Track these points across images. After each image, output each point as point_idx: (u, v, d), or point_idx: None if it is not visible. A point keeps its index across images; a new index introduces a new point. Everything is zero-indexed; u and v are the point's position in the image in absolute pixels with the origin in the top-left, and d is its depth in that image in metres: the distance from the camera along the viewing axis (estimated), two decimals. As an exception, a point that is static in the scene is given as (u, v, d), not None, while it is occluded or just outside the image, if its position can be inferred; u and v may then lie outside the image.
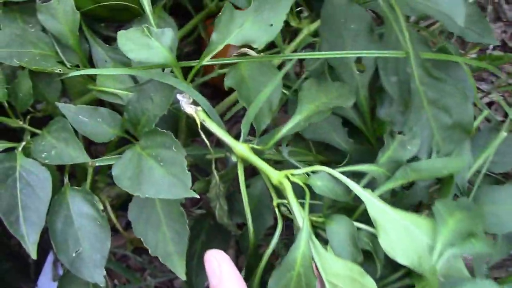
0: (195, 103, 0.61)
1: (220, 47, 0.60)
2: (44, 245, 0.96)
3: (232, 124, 0.97)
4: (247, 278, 0.59)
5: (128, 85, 0.68)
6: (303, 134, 0.72)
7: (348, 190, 0.55)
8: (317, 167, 0.55)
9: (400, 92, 0.66)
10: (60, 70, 0.64)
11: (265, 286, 0.51)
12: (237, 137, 0.59)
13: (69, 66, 0.67)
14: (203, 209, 0.98)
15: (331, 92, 0.65)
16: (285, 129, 0.61)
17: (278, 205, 0.60)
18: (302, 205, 0.53)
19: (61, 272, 0.95)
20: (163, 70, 0.70)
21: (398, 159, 0.61)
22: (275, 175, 0.56)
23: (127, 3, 0.73)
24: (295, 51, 0.81)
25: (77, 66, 0.71)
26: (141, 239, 0.62)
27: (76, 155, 0.59)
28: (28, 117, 0.69)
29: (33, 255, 0.55)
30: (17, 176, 0.58)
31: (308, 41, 0.76)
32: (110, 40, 0.82)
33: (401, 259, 0.49)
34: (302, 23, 0.78)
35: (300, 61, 0.94)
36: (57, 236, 0.59)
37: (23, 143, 0.63)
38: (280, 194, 0.57)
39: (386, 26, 0.65)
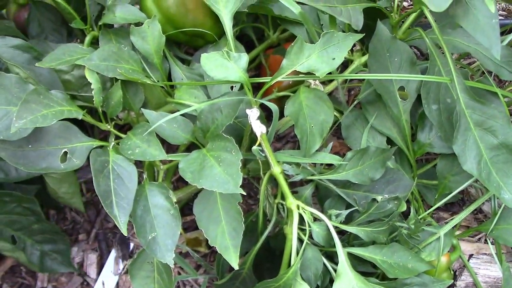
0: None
1: (289, 72, 0.70)
2: (109, 243, 1.08)
3: (283, 143, 1.07)
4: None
5: (202, 100, 0.79)
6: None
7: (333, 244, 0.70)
8: (323, 217, 0.70)
9: (439, 119, 0.75)
10: (149, 82, 0.75)
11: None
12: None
13: (155, 81, 0.79)
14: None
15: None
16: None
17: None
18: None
19: (121, 267, 1.05)
20: (232, 88, 0.81)
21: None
22: (291, 200, 0.71)
23: (204, 30, 0.85)
24: (346, 80, 0.91)
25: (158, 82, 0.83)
26: (202, 234, 0.72)
27: (157, 153, 0.70)
28: (113, 123, 0.81)
29: (124, 232, 0.66)
30: (110, 168, 0.69)
31: (358, 70, 0.86)
32: (184, 62, 0.94)
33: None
34: (354, 56, 0.88)
35: (349, 90, 1.04)
36: (137, 221, 0.69)
37: (113, 142, 0.75)
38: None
39: (430, 60, 0.74)
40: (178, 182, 1.07)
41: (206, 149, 0.71)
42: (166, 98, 0.85)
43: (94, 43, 0.86)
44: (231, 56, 0.69)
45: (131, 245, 1.09)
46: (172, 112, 0.78)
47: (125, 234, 0.66)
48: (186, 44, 0.95)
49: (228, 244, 0.71)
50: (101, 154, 0.70)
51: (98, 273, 1.05)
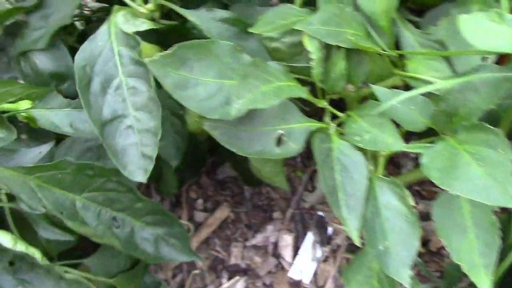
0: None
1: None
2: (305, 224, 0.98)
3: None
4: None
5: (445, 74, 0.62)
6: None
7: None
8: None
9: None
10: (378, 50, 0.61)
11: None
12: None
13: (384, 49, 0.64)
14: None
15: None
16: None
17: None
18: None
19: (319, 254, 0.95)
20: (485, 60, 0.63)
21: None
22: None
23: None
24: None
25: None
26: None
27: (391, 142, 0.57)
28: (328, 99, 0.69)
29: (357, 242, 0.54)
30: (334, 157, 0.57)
31: None
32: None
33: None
34: None
35: None
36: (365, 225, 0.57)
37: (333, 124, 0.62)
38: None
39: None
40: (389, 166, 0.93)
41: (456, 140, 0.55)
42: (391, 70, 0.69)
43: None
44: (506, 19, 0.51)
45: (329, 229, 0.98)
46: (396, 86, 0.64)
47: (359, 245, 0.53)
48: (413, 3, 0.78)
49: (477, 263, 0.56)
50: (324, 140, 0.58)
51: (293, 256, 0.98)
